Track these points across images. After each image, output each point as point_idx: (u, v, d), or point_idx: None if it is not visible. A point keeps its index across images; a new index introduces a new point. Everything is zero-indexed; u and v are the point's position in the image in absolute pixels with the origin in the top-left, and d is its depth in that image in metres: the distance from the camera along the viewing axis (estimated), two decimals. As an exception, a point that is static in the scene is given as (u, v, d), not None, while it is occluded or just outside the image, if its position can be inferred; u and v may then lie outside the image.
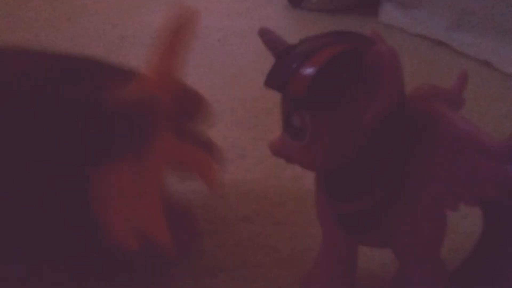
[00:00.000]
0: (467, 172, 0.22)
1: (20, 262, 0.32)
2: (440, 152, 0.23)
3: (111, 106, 0.26)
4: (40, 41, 0.76)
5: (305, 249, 0.36)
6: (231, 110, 0.56)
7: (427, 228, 0.25)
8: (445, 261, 0.31)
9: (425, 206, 0.25)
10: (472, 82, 0.60)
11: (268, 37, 0.25)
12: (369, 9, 0.84)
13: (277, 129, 0.26)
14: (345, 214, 0.26)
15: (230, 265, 0.34)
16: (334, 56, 0.22)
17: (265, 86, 0.24)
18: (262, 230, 0.38)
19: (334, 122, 0.23)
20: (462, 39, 0.68)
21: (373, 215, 0.25)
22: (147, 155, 0.28)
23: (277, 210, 0.40)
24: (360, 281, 0.31)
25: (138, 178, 0.29)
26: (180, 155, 0.33)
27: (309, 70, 0.23)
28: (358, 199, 0.25)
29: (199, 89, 0.35)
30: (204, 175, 0.34)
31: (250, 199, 0.40)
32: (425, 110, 0.25)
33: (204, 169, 0.34)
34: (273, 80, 0.24)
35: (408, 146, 0.24)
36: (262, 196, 0.37)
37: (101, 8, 0.92)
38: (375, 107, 0.22)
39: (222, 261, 0.35)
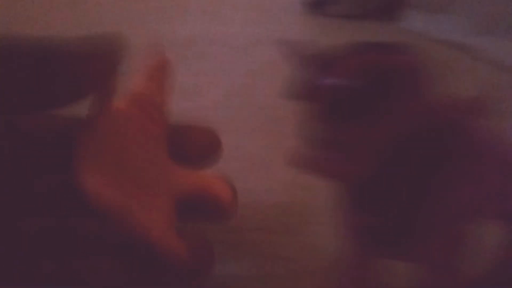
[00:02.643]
0: (496, 189, 0.21)
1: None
2: (470, 168, 0.22)
3: None
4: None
5: (316, 260, 0.35)
6: (246, 118, 0.55)
7: (451, 242, 0.24)
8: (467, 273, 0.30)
9: (449, 220, 0.23)
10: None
11: (289, 47, 0.24)
12: (387, 15, 0.83)
13: (291, 137, 0.24)
14: (371, 227, 0.25)
15: (243, 273, 0.33)
16: (360, 66, 0.22)
17: (287, 97, 0.24)
18: (274, 240, 0.37)
19: (361, 132, 0.22)
20: (485, 44, 0.67)
21: (399, 228, 0.24)
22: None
23: (289, 220, 0.39)
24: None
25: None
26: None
27: (334, 80, 0.22)
28: (385, 211, 0.24)
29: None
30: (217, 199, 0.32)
31: (262, 208, 0.39)
32: (457, 123, 0.23)
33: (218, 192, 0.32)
34: (297, 91, 0.23)
35: (436, 159, 0.23)
36: (274, 205, 0.36)
37: (91, 19, 0.93)
38: (402, 118, 0.21)
39: (237, 269, 0.34)
